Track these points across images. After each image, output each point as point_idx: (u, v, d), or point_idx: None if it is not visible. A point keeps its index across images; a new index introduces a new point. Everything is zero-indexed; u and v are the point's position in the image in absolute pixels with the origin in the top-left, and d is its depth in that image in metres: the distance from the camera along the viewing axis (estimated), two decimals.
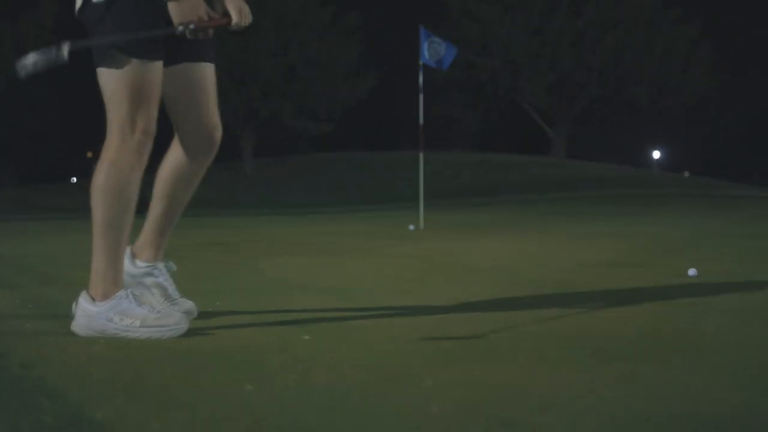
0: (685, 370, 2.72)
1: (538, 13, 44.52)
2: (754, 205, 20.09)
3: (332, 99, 41.83)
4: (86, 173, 40.94)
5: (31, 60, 3.13)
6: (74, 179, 49.49)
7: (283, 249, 8.08)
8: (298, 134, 43.74)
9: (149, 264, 3.67)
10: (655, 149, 63.35)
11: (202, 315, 3.68)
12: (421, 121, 12.36)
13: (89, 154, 50.50)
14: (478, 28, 44.43)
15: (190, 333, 3.31)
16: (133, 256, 3.68)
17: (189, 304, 3.62)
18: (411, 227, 11.45)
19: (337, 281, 5.18)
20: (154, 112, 3.38)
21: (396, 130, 58.02)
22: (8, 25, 34.96)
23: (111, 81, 3.33)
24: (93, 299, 3.35)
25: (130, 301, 3.33)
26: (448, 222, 13.27)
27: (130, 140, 3.32)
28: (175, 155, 3.65)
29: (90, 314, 3.34)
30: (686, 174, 54.32)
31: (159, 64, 3.38)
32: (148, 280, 3.65)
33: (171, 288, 3.63)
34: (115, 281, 3.36)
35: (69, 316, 3.41)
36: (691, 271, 5.31)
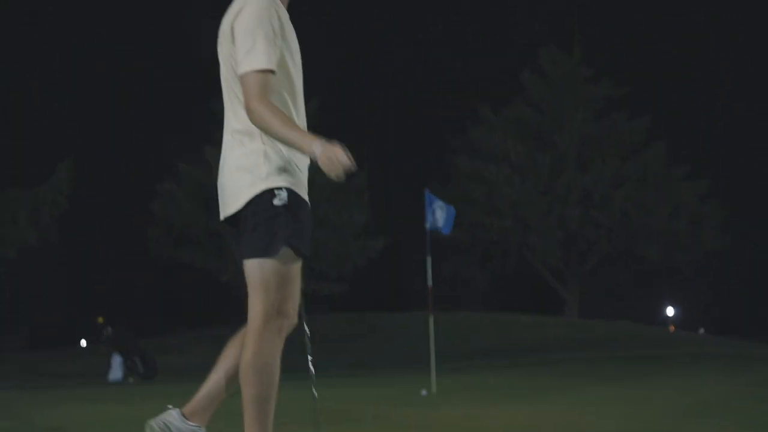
0: None
1: (545, 173, 45.03)
2: None
3: (342, 259, 41.97)
4: (96, 337, 40.80)
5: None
6: (84, 342, 49.33)
7: (291, 416, 7.86)
8: (308, 295, 43.72)
9: (200, 426, 3.93)
10: (669, 306, 63.04)
11: None
12: (430, 283, 12.33)
13: (100, 320, 50.46)
14: (486, 189, 44.88)
15: None
16: (185, 416, 3.91)
17: None
18: (423, 392, 11.21)
19: None
20: (296, 299, 3.89)
21: (406, 290, 58.11)
22: (24, 193, 35.32)
23: (268, 270, 3.77)
24: None
25: None
26: (460, 386, 13.03)
27: (273, 323, 3.76)
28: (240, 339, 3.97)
29: None
30: (701, 331, 53.89)
31: (300, 260, 3.91)
32: None
33: None
34: None
35: None
36: None
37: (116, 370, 21.21)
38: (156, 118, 59.15)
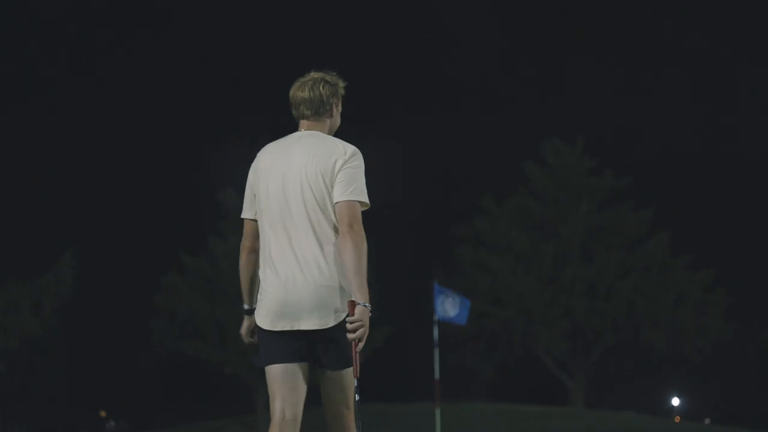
0: None
1: (549, 263, 44.96)
2: None
3: None
4: (99, 431, 40.52)
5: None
6: None
7: None
8: (311, 387, 43.24)
9: None
10: (675, 396, 62.34)
11: None
12: (438, 375, 12.25)
13: (102, 414, 49.95)
14: (490, 279, 44.75)
15: None
16: None
17: None
18: None
19: None
20: None
21: (411, 381, 57.53)
22: (26, 283, 35.17)
23: (349, 384, 4.68)
24: None
25: None
26: None
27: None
28: None
29: None
30: (707, 421, 53.17)
31: None
32: None
33: None
34: None
35: None
36: None
37: None
38: (159, 207, 59.37)
